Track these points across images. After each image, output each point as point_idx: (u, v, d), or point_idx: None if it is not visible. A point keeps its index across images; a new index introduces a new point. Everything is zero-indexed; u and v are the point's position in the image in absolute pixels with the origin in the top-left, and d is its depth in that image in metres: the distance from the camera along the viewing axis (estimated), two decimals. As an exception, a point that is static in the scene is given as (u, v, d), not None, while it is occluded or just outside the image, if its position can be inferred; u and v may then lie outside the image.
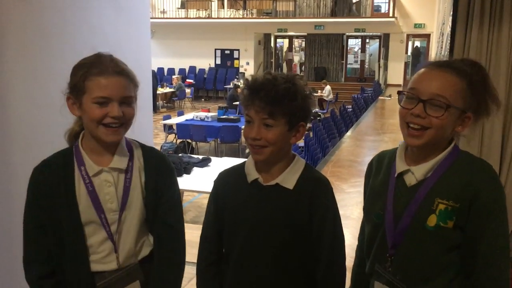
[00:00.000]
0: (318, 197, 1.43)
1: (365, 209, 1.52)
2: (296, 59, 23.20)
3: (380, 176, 1.46)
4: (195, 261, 1.58)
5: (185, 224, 1.63)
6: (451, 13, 2.62)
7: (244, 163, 1.50)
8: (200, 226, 1.59)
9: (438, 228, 1.29)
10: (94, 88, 1.39)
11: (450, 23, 3.32)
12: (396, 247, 1.35)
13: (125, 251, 1.50)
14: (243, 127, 1.58)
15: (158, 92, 16.03)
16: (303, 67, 22.13)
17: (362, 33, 20.69)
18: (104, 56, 1.45)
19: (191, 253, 1.59)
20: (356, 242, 1.62)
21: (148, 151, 1.58)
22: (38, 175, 1.48)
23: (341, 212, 1.48)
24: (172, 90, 17.10)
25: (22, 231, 1.50)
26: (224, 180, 1.53)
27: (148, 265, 1.56)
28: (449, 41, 2.87)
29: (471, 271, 1.30)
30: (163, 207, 1.55)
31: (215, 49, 21.35)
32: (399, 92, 1.37)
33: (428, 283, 1.32)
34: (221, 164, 5.64)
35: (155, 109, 15.49)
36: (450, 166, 1.32)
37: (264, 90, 1.32)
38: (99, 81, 1.38)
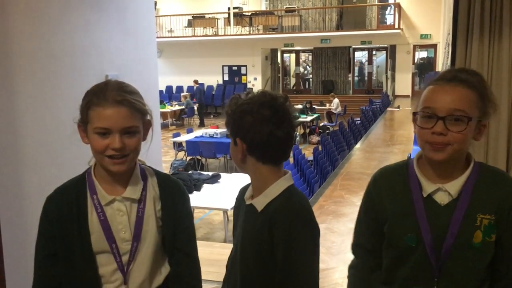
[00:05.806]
0: (276, 225, 1.32)
1: (388, 233, 1.42)
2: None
3: (398, 197, 1.41)
4: (207, 278, 1.58)
5: (197, 242, 1.64)
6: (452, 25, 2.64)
7: None
8: (211, 243, 1.59)
9: (483, 244, 1.31)
10: (95, 118, 1.36)
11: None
12: (440, 269, 1.35)
13: (137, 282, 1.46)
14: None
15: (167, 110, 16.26)
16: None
17: (369, 45, 20.77)
18: (111, 84, 1.40)
19: (203, 271, 1.59)
20: None
21: (163, 179, 1.54)
22: (51, 204, 1.45)
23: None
24: (181, 107, 17.29)
25: (34, 252, 1.48)
26: (238, 197, 1.54)
27: None
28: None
29: (501, 276, 1.35)
30: (181, 236, 1.52)
31: (223, 66, 21.55)
32: (414, 113, 1.37)
33: None
34: (231, 180, 5.54)
35: (203, 124, 16.58)
36: (477, 180, 1.34)
37: None
38: (98, 112, 1.35)
